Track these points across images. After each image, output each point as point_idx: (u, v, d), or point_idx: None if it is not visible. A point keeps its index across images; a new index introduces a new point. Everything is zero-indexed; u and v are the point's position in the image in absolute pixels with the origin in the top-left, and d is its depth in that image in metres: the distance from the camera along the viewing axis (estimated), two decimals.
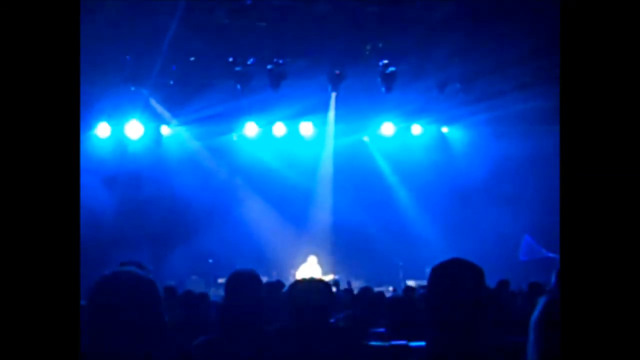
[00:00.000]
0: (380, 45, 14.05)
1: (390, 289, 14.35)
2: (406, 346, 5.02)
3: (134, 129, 17.43)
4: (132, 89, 15.59)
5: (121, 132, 17.50)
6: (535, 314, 3.23)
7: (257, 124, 18.28)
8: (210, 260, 17.30)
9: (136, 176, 17.35)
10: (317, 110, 17.57)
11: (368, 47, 13.95)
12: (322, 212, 18.82)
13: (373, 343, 5.23)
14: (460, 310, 2.89)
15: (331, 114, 17.82)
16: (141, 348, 2.53)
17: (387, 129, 18.93)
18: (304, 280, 4.11)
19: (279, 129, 18.44)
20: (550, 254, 16.14)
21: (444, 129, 19.87)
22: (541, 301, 3.25)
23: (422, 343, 4.79)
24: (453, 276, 2.97)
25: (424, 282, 14.29)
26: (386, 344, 5.20)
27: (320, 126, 18.60)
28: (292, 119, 18.19)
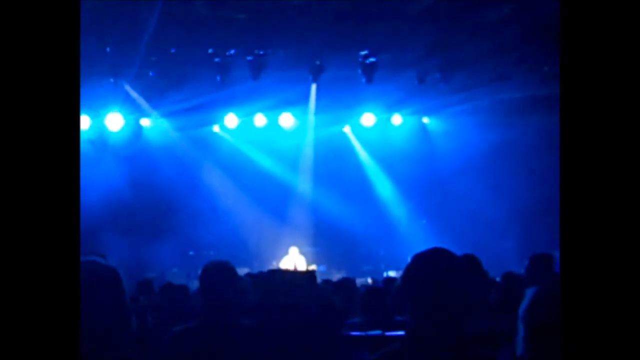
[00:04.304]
0: (360, 35, 14.05)
1: (370, 280, 14.37)
2: (382, 336, 5.07)
3: (114, 120, 17.37)
4: (112, 80, 15.54)
5: (101, 124, 17.44)
6: (524, 305, 3.25)
7: (238, 115, 18.25)
8: (191, 252, 17.30)
9: (116, 168, 17.29)
10: (297, 101, 17.55)
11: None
12: (303, 203, 18.86)
13: (350, 333, 5.27)
14: (440, 299, 2.87)
15: (312, 104, 17.81)
16: (104, 335, 2.55)
17: (368, 119, 18.96)
18: (278, 272, 4.14)
19: (260, 120, 18.45)
20: None
21: (425, 120, 19.92)
22: (529, 292, 3.27)
23: (398, 332, 4.85)
24: (433, 265, 2.95)
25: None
26: (363, 333, 5.25)
27: (301, 117, 18.59)
28: (273, 110, 18.19)
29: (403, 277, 3.00)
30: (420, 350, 2.86)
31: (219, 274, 4.28)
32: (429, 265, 2.95)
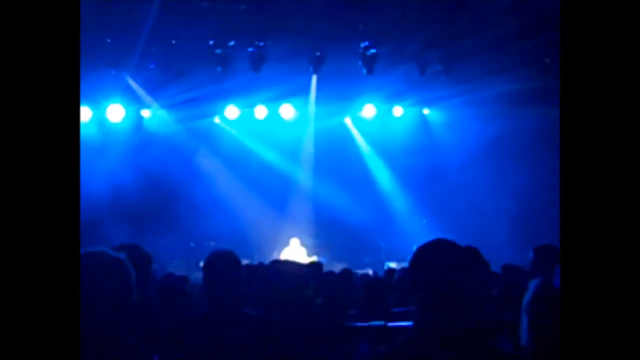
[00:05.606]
0: (361, 27, 14.04)
1: (370, 272, 14.38)
2: (385, 326, 5.08)
3: (115, 112, 17.39)
4: (113, 72, 15.53)
5: (102, 115, 17.45)
6: (528, 297, 3.26)
7: (238, 106, 18.26)
8: (192, 244, 17.31)
9: (117, 160, 17.29)
10: (298, 92, 17.56)
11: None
12: (304, 194, 18.87)
13: (351, 324, 5.28)
14: (446, 290, 2.83)
15: (312, 96, 17.81)
16: (110, 326, 2.57)
17: (369, 111, 18.96)
18: (279, 263, 4.15)
19: (260, 111, 18.45)
20: None
21: (425, 111, 19.91)
22: (532, 284, 3.27)
23: (400, 323, 4.87)
24: (438, 256, 2.90)
25: (405, 264, 14.41)
26: (365, 324, 5.26)
27: (302, 108, 18.59)
28: (273, 101, 18.19)
29: (409, 268, 2.97)
30: (429, 342, 2.83)
31: (223, 264, 4.28)
32: (434, 257, 2.91)
